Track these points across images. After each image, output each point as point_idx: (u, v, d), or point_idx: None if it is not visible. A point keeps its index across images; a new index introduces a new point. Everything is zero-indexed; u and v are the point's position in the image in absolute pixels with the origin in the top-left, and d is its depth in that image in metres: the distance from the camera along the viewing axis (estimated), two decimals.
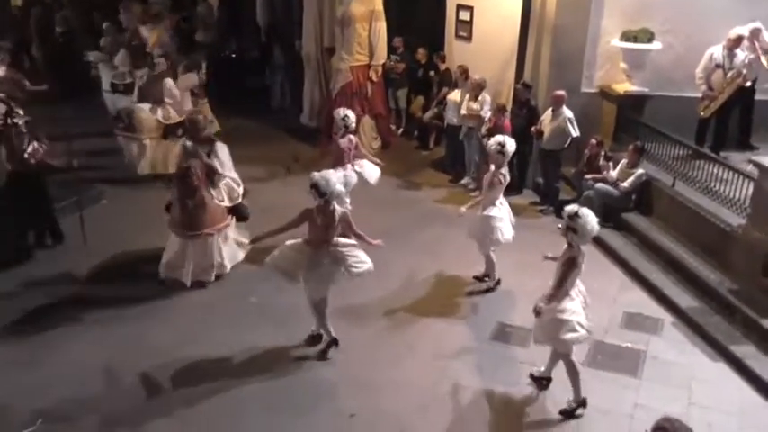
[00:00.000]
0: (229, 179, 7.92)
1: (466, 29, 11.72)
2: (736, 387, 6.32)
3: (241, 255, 8.15)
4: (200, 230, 7.58)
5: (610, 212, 9.06)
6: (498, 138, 7.66)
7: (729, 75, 9.23)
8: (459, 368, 6.46)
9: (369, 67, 11.85)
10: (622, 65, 10.27)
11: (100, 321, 7.02)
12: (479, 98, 10.29)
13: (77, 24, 15.92)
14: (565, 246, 5.79)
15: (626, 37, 10.02)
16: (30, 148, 7.86)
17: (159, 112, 10.66)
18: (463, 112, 10.48)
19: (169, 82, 11.01)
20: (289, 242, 6.38)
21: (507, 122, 9.99)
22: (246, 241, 7.66)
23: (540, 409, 5.99)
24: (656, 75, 10.12)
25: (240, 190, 8.02)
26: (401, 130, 13.30)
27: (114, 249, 8.34)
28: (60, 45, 15.25)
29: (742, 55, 9.22)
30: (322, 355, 6.63)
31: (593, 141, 9.50)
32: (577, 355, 6.40)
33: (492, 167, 7.56)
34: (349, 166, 8.79)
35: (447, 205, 10.11)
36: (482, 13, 11.36)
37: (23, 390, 5.96)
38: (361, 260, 6.36)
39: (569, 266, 5.67)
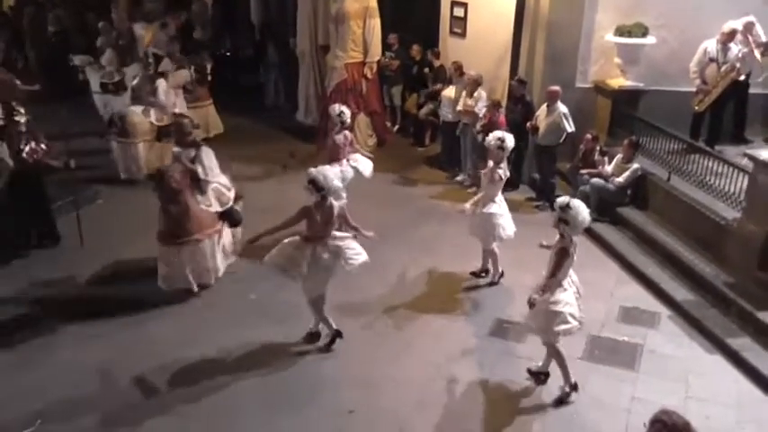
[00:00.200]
0: (218, 184, 7.73)
1: (460, 25, 11.72)
2: (733, 379, 6.36)
3: (231, 259, 8.11)
4: (187, 237, 7.36)
5: (605, 207, 9.11)
6: (498, 133, 7.68)
7: (723, 69, 9.26)
8: (457, 364, 6.48)
9: (363, 64, 11.85)
10: (617, 60, 10.29)
11: (98, 321, 7.01)
12: (475, 94, 10.30)
13: (70, 24, 15.89)
14: (557, 236, 5.84)
15: (620, 32, 10.03)
16: (27, 148, 7.85)
17: (152, 114, 10.64)
18: (459, 107, 10.50)
19: (162, 83, 11.01)
20: (287, 240, 6.40)
21: (502, 118, 10.01)
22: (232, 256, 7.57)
23: (539, 405, 6.00)
24: (651, 69, 10.15)
25: (231, 194, 7.84)
26: (396, 127, 13.30)
27: (111, 249, 8.33)
28: (53, 45, 15.22)
29: (736, 49, 9.25)
30: (327, 348, 6.67)
31: (589, 136, 9.53)
32: (574, 349, 6.47)
33: (490, 163, 7.58)
34: (344, 161, 8.82)
35: (443, 202, 10.14)
36: (476, 10, 11.37)
37: (22, 391, 5.95)
38: (358, 252, 6.43)
39: (561, 256, 5.73)
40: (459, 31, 11.78)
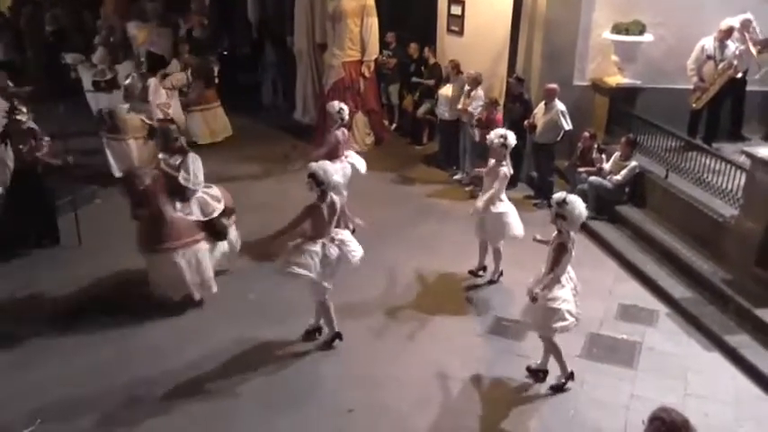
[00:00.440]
0: (203, 194, 7.32)
1: (457, 23, 11.73)
2: (731, 377, 6.37)
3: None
4: (160, 245, 6.94)
5: (603, 205, 9.12)
6: (500, 131, 7.68)
7: (720, 66, 9.28)
8: (457, 362, 6.49)
9: (361, 62, 11.86)
10: (614, 57, 10.29)
11: (97, 321, 7.00)
12: (473, 93, 10.30)
13: (67, 23, 15.87)
14: (555, 232, 5.86)
15: (617, 29, 10.05)
16: (27, 146, 7.84)
17: (143, 111, 10.62)
18: (459, 106, 10.50)
19: (153, 81, 11.00)
20: (292, 243, 6.35)
21: (499, 116, 10.02)
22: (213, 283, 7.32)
23: (538, 402, 6.02)
24: (648, 67, 10.16)
25: (219, 206, 7.37)
26: (394, 125, 13.31)
27: (110, 249, 8.30)
28: (51, 44, 15.20)
29: (733, 46, 9.27)
30: (326, 347, 6.67)
31: (586, 134, 9.54)
32: (573, 347, 6.48)
33: (492, 161, 7.58)
34: (343, 157, 8.83)
35: (441, 200, 10.15)
36: (473, 7, 11.37)
37: (21, 390, 5.95)
38: (355, 247, 6.47)
39: (560, 252, 5.76)
40: (456, 29, 11.78)
